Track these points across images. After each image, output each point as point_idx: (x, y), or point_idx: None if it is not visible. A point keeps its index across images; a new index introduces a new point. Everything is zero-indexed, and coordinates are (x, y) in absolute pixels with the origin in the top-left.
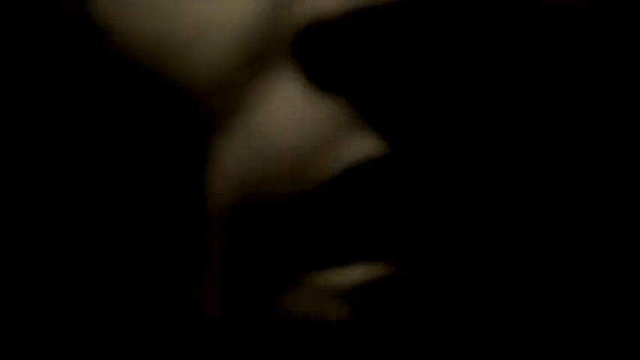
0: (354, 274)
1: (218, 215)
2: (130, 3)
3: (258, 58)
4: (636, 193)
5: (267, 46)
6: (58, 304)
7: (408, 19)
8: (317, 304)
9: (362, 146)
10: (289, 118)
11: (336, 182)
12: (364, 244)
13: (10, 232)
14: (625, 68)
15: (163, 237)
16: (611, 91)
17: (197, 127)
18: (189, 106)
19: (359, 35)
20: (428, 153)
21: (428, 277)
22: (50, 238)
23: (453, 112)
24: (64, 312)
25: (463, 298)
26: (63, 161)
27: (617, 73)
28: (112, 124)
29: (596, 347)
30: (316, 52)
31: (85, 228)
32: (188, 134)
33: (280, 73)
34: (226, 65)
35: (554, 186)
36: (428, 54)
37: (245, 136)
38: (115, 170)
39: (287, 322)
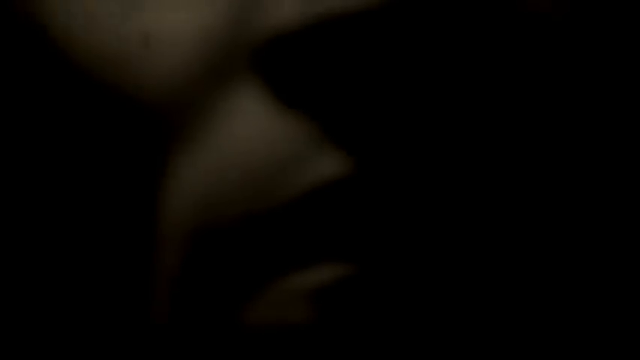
0: (320, 275)
1: (172, 234)
2: (78, 8)
3: (217, 72)
4: (636, 193)
5: (227, 60)
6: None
7: (373, 30)
8: (280, 308)
9: (328, 165)
10: (251, 135)
11: (301, 203)
12: (329, 245)
13: None
14: (625, 68)
15: (113, 251)
16: (611, 91)
17: (152, 142)
18: (143, 121)
19: (322, 49)
20: (397, 171)
21: (396, 277)
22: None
23: (424, 128)
24: (17, 321)
25: (435, 299)
26: (8, 171)
27: (617, 73)
28: (61, 134)
29: (596, 347)
30: (279, 67)
31: (36, 237)
32: (142, 149)
33: (242, 89)
34: (182, 78)
35: (545, 186)
36: (396, 67)
37: (204, 153)
38: (65, 182)
39: (249, 330)
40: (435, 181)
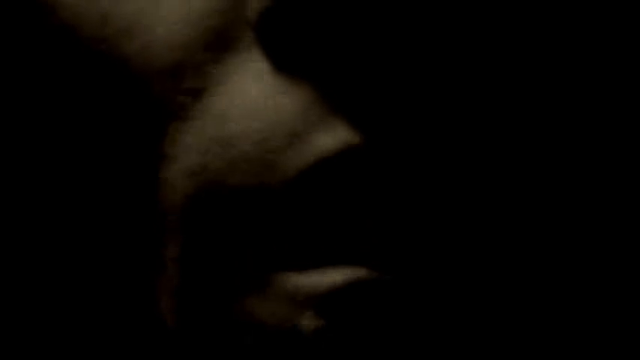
0: (329, 278)
1: (174, 210)
2: None
3: (220, 39)
4: (636, 193)
5: (230, 27)
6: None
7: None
8: (286, 311)
9: (335, 136)
10: (255, 104)
11: (306, 175)
12: (338, 244)
13: None
14: (625, 68)
15: (114, 237)
16: (611, 91)
17: (152, 111)
18: (143, 89)
19: (329, 16)
20: (405, 142)
21: (408, 281)
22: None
23: (431, 98)
24: (17, 319)
25: (445, 302)
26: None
27: (617, 73)
28: (59, 107)
29: (596, 347)
30: (284, 34)
31: (33, 222)
32: (142, 119)
33: (245, 56)
34: (184, 45)
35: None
36: (403, 36)
37: (206, 122)
38: (61, 157)
39: (253, 331)
40: (440, 152)
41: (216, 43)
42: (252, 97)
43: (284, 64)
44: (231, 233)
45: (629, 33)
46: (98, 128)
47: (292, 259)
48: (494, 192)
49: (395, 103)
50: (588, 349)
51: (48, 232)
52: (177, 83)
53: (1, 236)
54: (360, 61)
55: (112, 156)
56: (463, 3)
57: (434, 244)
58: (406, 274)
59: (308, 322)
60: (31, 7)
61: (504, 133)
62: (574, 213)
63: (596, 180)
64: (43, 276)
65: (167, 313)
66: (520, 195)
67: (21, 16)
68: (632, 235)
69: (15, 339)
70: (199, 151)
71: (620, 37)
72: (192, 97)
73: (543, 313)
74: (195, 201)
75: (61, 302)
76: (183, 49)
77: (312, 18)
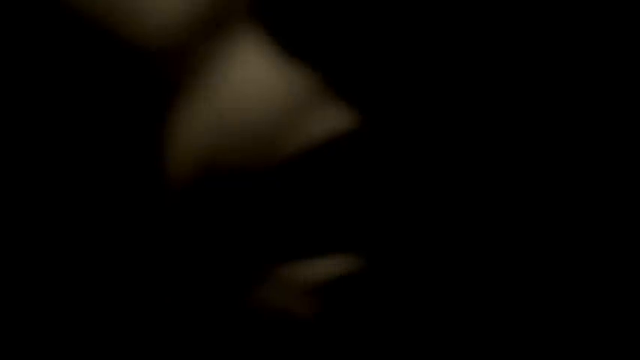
0: (328, 266)
1: (179, 187)
2: None
3: (219, 18)
4: (636, 193)
5: (230, 6)
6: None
7: None
8: (285, 300)
9: (335, 118)
10: (254, 84)
11: (306, 158)
12: (337, 232)
13: None
14: (625, 68)
15: (113, 209)
16: (611, 91)
17: (152, 91)
18: (143, 69)
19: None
20: (402, 130)
21: (408, 270)
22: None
23: (431, 83)
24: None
25: (443, 293)
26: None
27: (617, 73)
28: (58, 87)
29: (596, 347)
30: (283, 14)
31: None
32: (142, 99)
33: (245, 36)
34: (183, 25)
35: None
36: (406, 18)
37: (205, 102)
38: (62, 139)
39: (252, 319)
40: (438, 140)
41: (216, 22)
42: (248, 77)
43: (283, 42)
44: (230, 214)
45: (629, 33)
46: (99, 111)
47: (290, 248)
48: (490, 182)
49: (392, 90)
50: (588, 349)
51: (51, 219)
52: (181, 63)
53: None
54: (357, 46)
55: (116, 136)
56: None
57: (430, 234)
58: (402, 264)
59: (306, 311)
60: None
61: (501, 123)
62: (573, 212)
63: (596, 180)
64: (45, 266)
65: (169, 295)
66: (516, 182)
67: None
68: (632, 235)
69: (16, 334)
70: (201, 131)
71: (620, 37)
72: (195, 76)
73: (538, 308)
74: (199, 179)
75: (63, 292)
76: (183, 29)
77: (309, 2)
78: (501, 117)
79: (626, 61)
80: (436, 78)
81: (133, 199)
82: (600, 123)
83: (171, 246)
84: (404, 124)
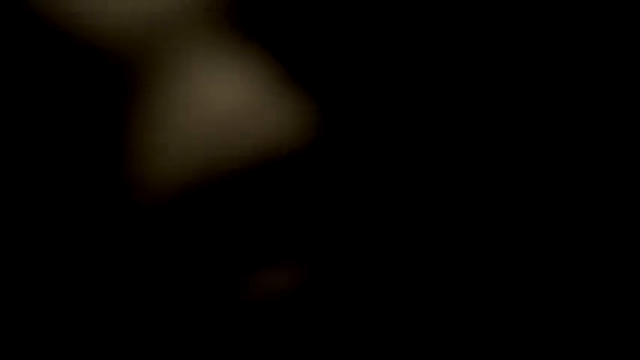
0: (284, 276)
1: (141, 196)
2: None
3: (191, 22)
4: (636, 193)
5: (194, 6)
6: None
7: None
8: (256, 305)
9: (293, 123)
10: (227, 91)
11: (261, 164)
12: (303, 232)
13: None
14: (625, 68)
15: (78, 225)
16: (611, 91)
17: (111, 92)
18: (101, 69)
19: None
20: (365, 133)
21: (377, 271)
22: None
23: (397, 74)
24: None
25: (418, 298)
26: None
27: (617, 73)
28: (12, 89)
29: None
30: (258, 17)
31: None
32: (100, 101)
33: (217, 41)
34: (145, 25)
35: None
36: (368, 10)
37: (174, 99)
38: (15, 141)
39: (220, 324)
40: (406, 129)
41: (187, 26)
42: (221, 83)
43: (258, 45)
44: (190, 221)
45: (629, 33)
46: (54, 114)
47: (245, 257)
48: (457, 174)
49: (359, 92)
50: (588, 349)
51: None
52: (146, 58)
53: None
54: (324, 46)
55: (70, 143)
56: None
57: (403, 231)
58: (361, 270)
59: (277, 312)
60: None
61: (466, 111)
62: (572, 212)
63: (596, 180)
64: (21, 270)
65: (143, 292)
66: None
67: None
68: (632, 235)
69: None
70: (167, 142)
71: (620, 37)
72: (160, 72)
73: (543, 313)
74: (164, 187)
75: (42, 297)
76: (144, 30)
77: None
78: (467, 105)
79: (626, 61)
80: (402, 69)
81: (89, 204)
82: (600, 123)
83: (126, 252)
84: (362, 131)
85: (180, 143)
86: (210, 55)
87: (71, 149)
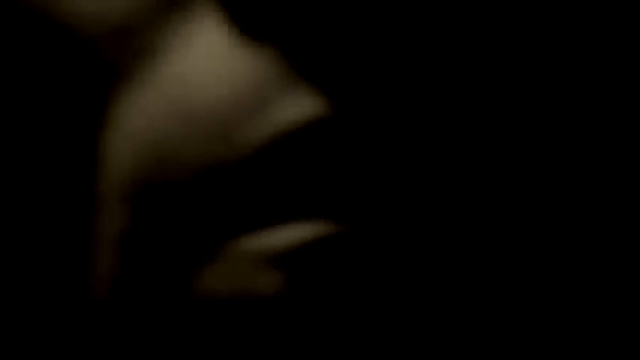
0: (287, 235)
1: (117, 184)
2: None
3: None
4: (636, 193)
5: None
6: None
7: None
8: (243, 277)
9: (300, 107)
10: (212, 69)
11: (267, 150)
12: (297, 201)
13: None
14: (625, 68)
15: (48, 210)
16: (611, 91)
17: (95, 74)
18: (86, 51)
19: None
20: (371, 113)
21: (373, 239)
22: None
23: (400, 67)
24: None
25: (414, 267)
26: None
27: (617, 73)
28: None
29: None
30: None
31: None
32: (84, 84)
33: (202, 17)
34: (130, 4)
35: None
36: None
37: (156, 88)
38: None
39: (206, 301)
40: (412, 125)
41: (166, 3)
42: (209, 61)
43: (245, 26)
44: (181, 209)
45: (629, 33)
46: (33, 94)
47: (245, 219)
48: (457, 166)
49: (365, 73)
50: (588, 349)
51: None
52: (124, 44)
53: None
54: (328, 26)
55: (49, 125)
56: None
57: (401, 222)
58: (373, 230)
59: (269, 287)
60: None
61: (473, 109)
62: (574, 213)
63: (596, 180)
64: None
65: (101, 296)
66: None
67: None
68: (632, 235)
69: None
70: (148, 120)
71: (620, 37)
72: (141, 59)
73: (543, 313)
74: (142, 174)
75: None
76: (132, 6)
77: None
78: (468, 96)
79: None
80: (406, 60)
81: (66, 196)
82: (600, 123)
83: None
84: (372, 108)
85: (168, 123)
86: (205, 36)
87: (41, 132)
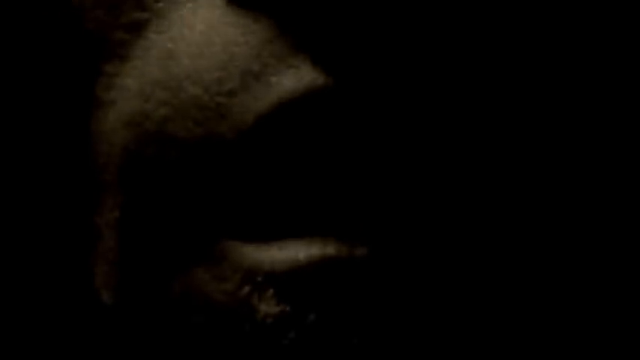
0: (292, 252)
1: (111, 166)
2: None
3: None
4: (636, 193)
5: None
6: None
7: None
8: (242, 290)
9: (298, 76)
10: (205, 40)
11: (265, 122)
12: (302, 209)
13: None
14: (625, 68)
15: (42, 202)
16: (611, 91)
17: (84, 50)
18: (73, 25)
19: None
20: (373, 86)
21: (385, 256)
22: None
23: (401, 37)
24: None
25: (427, 283)
26: None
27: (617, 73)
28: None
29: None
30: None
31: None
32: (72, 59)
33: None
34: None
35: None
36: None
37: (148, 62)
38: None
39: (202, 308)
40: (418, 95)
41: None
42: (201, 32)
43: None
44: (177, 192)
45: (629, 33)
46: (20, 72)
47: (249, 226)
48: (471, 153)
49: (366, 41)
50: (588, 349)
51: None
52: (113, 17)
53: None
54: None
55: (37, 104)
56: None
57: (413, 211)
58: (383, 248)
59: (267, 307)
60: None
61: (477, 102)
62: (574, 213)
63: (596, 180)
64: None
65: (103, 287)
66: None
67: None
68: (632, 235)
69: None
70: (141, 96)
71: (620, 37)
72: (132, 32)
73: (543, 313)
74: (136, 154)
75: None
76: None
77: None
78: (471, 85)
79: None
80: (408, 29)
81: (60, 176)
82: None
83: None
84: (373, 83)
85: (161, 98)
86: (204, 1)
87: (29, 110)
